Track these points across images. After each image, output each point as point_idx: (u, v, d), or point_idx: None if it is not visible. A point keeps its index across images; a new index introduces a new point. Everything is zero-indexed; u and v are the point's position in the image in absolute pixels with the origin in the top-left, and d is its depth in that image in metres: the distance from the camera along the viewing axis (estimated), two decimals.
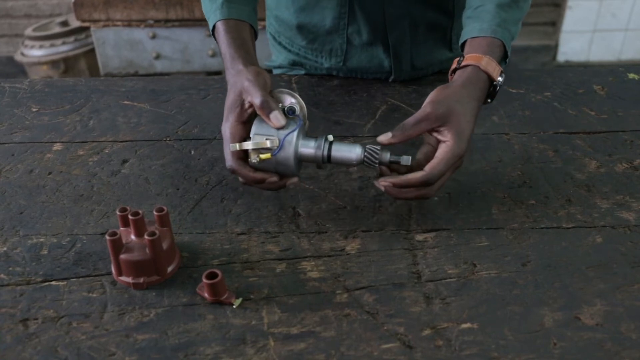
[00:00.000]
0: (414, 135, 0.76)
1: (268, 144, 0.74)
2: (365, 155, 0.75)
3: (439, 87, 0.79)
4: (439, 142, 0.76)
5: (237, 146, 0.75)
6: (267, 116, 0.75)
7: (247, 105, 0.77)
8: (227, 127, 0.78)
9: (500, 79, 0.82)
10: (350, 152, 0.76)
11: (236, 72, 0.81)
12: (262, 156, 0.74)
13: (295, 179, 0.78)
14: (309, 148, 0.76)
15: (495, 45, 0.84)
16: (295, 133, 0.75)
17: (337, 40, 1.09)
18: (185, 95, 1.10)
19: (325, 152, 0.76)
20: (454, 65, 0.84)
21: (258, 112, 0.76)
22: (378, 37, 1.07)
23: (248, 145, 0.75)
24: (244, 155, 0.77)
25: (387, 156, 0.76)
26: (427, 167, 0.75)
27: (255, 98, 0.76)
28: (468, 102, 0.78)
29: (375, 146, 0.76)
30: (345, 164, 0.77)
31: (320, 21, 1.07)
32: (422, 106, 0.77)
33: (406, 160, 0.76)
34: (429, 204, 0.83)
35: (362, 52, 1.10)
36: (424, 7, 1.05)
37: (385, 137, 0.75)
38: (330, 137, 0.77)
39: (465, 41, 0.86)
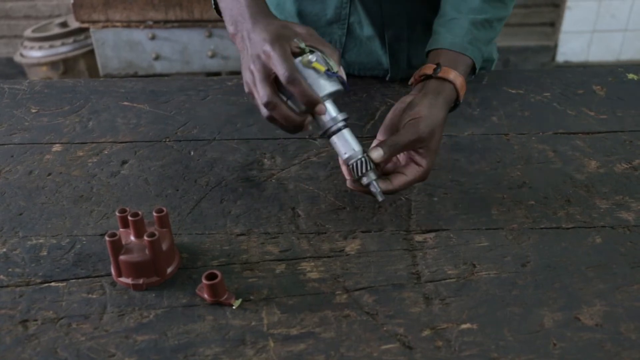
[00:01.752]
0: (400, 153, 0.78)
1: (332, 64, 0.72)
2: (355, 163, 0.74)
3: (427, 102, 0.79)
4: (412, 160, 0.78)
5: (305, 45, 0.72)
6: (339, 62, 0.73)
7: (296, 44, 0.73)
8: (279, 44, 0.71)
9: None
10: (347, 148, 0.74)
11: (271, 17, 0.76)
12: (318, 64, 0.71)
13: (310, 119, 0.74)
14: (328, 112, 0.74)
15: (466, 64, 0.86)
16: (341, 86, 0.73)
17: (336, 31, 1.09)
18: (184, 96, 1.10)
19: (333, 129, 0.74)
20: (428, 71, 0.83)
21: (333, 55, 0.73)
22: (377, 32, 1.07)
23: (315, 54, 0.72)
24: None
25: (370, 178, 0.74)
26: (396, 181, 0.77)
27: (327, 45, 0.74)
28: (444, 121, 0.80)
29: (371, 162, 0.74)
30: (337, 152, 0.76)
31: (322, 10, 1.07)
32: (412, 121, 0.77)
33: (381, 197, 0.75)
34: (429, 204, 0.83)
35: (360, 46, 1.10)
36: (422, 7, 1.06)
37: (377, 155, 0.74)
38: (345, 115, 0.75)
39: (435, 49, 0.87)
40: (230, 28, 0.79)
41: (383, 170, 0.80)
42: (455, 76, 0.83)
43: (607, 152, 0.94)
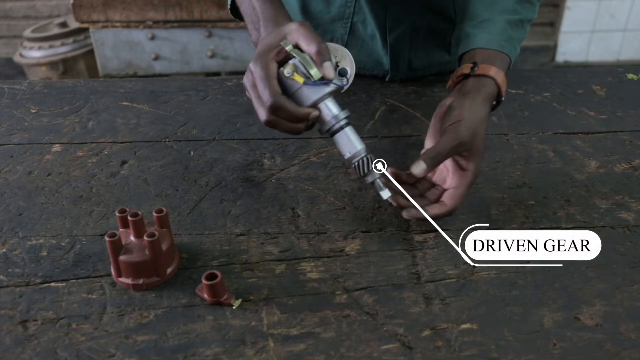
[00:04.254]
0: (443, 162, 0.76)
1: (313, 72, 0.71)
2: (358, 162, 0.74)
3: (467, 104, 0.77)
4: (457, 165, 0.77)
5: (290, 47, 0.72)
6: (321, 63, 0.72)
7: (282, 48, 0.74)
8: (262, 62, 0.72)
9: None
10: (350, 147, 0.74)
11: (281, 23, 0.77)
12: (297, 76, 0.71)
13: (316, 113, 0.74)
14: (329, 112, 0.73)
15: (504, 61, 0.84)
16: (331, 88, 0.72)
17: (339, 29, 1.09)
18: (184, 97, 1.10)
19: (335, 127, 0.74)
20: (465, 70, 0.82)
21: (315, 56, 0.72)
22: (380, 32, 1.07)
23: (297, 58, 0.71)
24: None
25: (374, 176, 0.74)
26: (449, 200, 0.75)
27: (313, 42, 0.72)
28: (486, 119, 0.78)
29: (373, 161, 0.74)
30: (340, 150, 0.75)
31: (326, 7, 1.08)
32: (452, 126, 0.75)
33: (385, 195, 0.74)
34: None
35: (362, 45, 1.10)
36: (426, 13, 1.06)
37: (419, 170, 0.73)
38: (346, 113, 0.75)
39: (469, 50, 0.85)
40: (252, 34, 0.81)
41: (430, 183, 0.79)
42: (496, 72, 0.81)
43: (607, 152, 0.94)
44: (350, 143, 0.74)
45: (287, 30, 0.74)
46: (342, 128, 0.74)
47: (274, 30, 0.76)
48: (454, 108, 0.78)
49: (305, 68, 0.72)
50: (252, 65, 0.73)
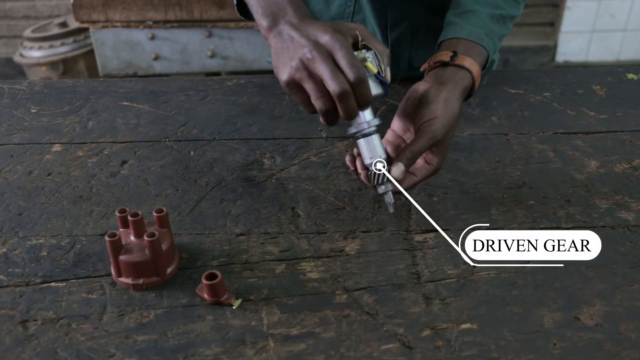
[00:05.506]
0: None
1: (384, 67, 0.72)
2: (375, 171, 0.75)
3: (443, 97, 0.77)
4: (423, 157, 0.78)
5: (360, 35, 0.72)
6: (388, 64, 0.72)
7: (356, 37, 0.72)
8: (344, 37, 0.69)
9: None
10: (373, 154, 0.75)
11: (310, 14, 0.75)
12: (370, 65, 0.71)
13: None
14: (364, 114, 0.74)
15: (482, 55, 0.85)
16: (384, 90, 0.73)
17: None
18: (184, 97, 1.10)
19: (365, 132, 0.74)
20: (445, 58, 0.83)
21: (384, 55, 0.72)
22: (380, 32, 1.08)
23: (372, 50, 0.72)
24: None
25: (388, 188, 0.75)
26: (405, 185, 0.76)
27: (381, 45, 0.72)
28: (459, 115, 0.79)
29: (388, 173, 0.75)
30: (361, 153, 0.76)
31: (325, 7, 1.07)
32: (428, 123, 0.76)
33: (392, 209, 0.76)
34: (429, 204, 0.83)
35: None
36: (426, 12, 1.06)
37: (399, 172, 0.74)
38: (379, 121, 0.75)
39: (450, 38, 0.86)
40: (265, 22, 0.75)
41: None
42: (472, 64, 0.82)
43: (607, 152, 0.94)
44: (374, 150, 0.75)
45: (352, 26, 0.73)
46: (370, 134, 0.75)
47: (325, 23, 0.73)
48: (430, 100, 0.77)
49: (378, 62, 0.72)
50: (330, 39, 0.68)
